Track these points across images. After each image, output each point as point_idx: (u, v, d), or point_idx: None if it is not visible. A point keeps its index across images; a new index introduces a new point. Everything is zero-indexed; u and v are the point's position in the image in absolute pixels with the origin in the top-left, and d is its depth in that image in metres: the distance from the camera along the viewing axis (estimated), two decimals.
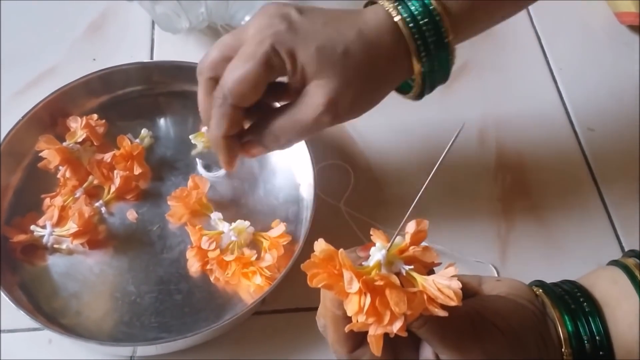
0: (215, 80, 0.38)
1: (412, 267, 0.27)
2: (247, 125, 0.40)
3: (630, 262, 0.33)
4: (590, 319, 0.31)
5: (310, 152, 0.47)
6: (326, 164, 0.51)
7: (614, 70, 0.58)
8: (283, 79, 0.38)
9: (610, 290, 0.32)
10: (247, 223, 0.45)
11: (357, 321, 0.25)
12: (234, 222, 0.45)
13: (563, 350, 0.31)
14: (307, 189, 0.48)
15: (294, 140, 0.39)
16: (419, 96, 0.40)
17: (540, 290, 0.33)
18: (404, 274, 0.27)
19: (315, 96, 0.36)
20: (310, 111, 0.36)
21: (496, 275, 0.46)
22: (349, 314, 0.26)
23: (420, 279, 0.26)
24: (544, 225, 0.49)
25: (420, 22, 0.37)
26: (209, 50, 0.38)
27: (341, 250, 0.26)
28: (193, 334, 0.40)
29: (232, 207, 0.48)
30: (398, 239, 0.28)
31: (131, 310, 0.43)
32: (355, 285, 0.25)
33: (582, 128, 0.55)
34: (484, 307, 0.30)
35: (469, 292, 0.33)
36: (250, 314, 0.43)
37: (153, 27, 0.59)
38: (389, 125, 0.54)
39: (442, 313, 0.25)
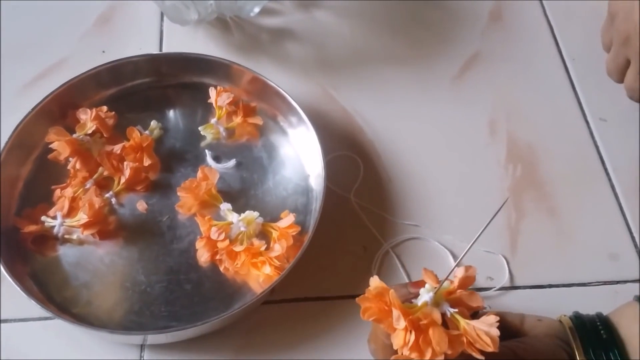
0: None
1: (456, 310, 0.30)
2: None
3: None
4: (611, 356, 0.33)
5: (320, 143, 0.47)
6: (335, 155, 0.50)
7: None
8: None
9: (633, 328, 0.34)
10: (256, 213, 0.45)
11: (402, 354, 0.29)
12: (243, 212, 0.45)
13: None
14: (316, 180, 0.48)
15: None
16: None
17: (570, 335, 0.34)
18: (449, 315, 0.30)
19: None
20: None
21: (506, 265, 0.46)
22: (394, 347, 0.29)
23: (463, 322, 0.29)
24: (554, 216, 0.49)
25: None
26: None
27: (392, 290, 0.30)
28: (202, 323, 0.40)
29: (241, 198, 0.48)
30: (446, 282, 0.31)
31: (141, 300, 0.43)
32: (402, 323, 0.28)
33: (594, 118, 0.54)
34: (522, 349, 0.32)
35: (511, 329, 0.35)
36: (260, 304, 0.43)
37: (162, 19, 0.59)
38: (398, 116, 0.54)
39: (480, 357, 0.28)
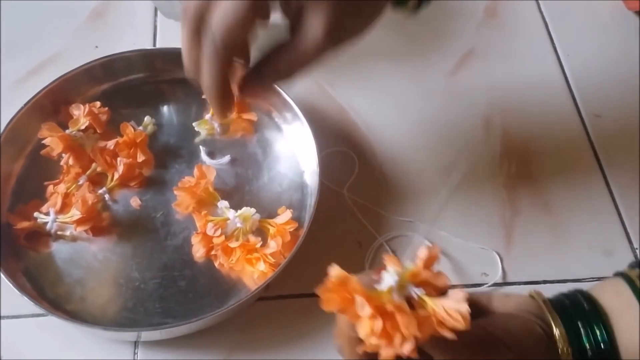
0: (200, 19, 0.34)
1: (423, 291, 0.28)
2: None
3: (634, 273, 0.33)
4: (595, 329, 0.32)
5: (315, 139, 0.47)
6: (330, 150, 0.50)
7: (621, 56, 0.58)
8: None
9: (614, 302, 0.33)
10: (252, 210, 0.45)
11: (370, 343, 0.27)
12: (239, 208, 0.45)
13: None
14: (311, 176, 0.48)
15: (297, 73, 0.35)
16: (417, 8, 0.38)
17: (545, 307, 0.33)
18: (416, 298, 0.28)
19: (314, 21, 0.33)
20: (312, 39, 0.33)
21: (499, 262, 0.46)
22: (361, 337, 0.27)
23: (430, 302, 0.28)
24: (549, 212, 0.49)
25: None
26: None
27: (354, 276, 0.28)
28: (197, 320, 0.40)
29: (235, 194, 0.48)
30: (409, 263, 0.29)
31: (135, 296, 0.43)
32: (367, 310, 0.27)
33: (589, 114, 0.54)
34: (494, 326, 0.31)
35: (479, 309, 0.34)
36: (254, 300, 0.43)
37: (155, 14, 0.59)
38: (393, 112, 0.54)
39: (451, 336, 0.27)
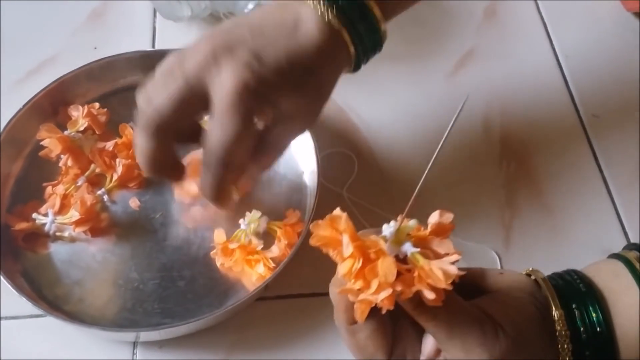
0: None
1: (418, 249, 0.27)
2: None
3: (632, 255, 0.32)
4: (591, 310, 0.31)
5: (314, 140, 0.47)
6: (330, 151, 0.50)
7: (620, 57, 0.58)
8: None
9: (611, 284, 0.32)
10: (259, 213, 0.45)
11: (348, 286, 0.26)
12: (239, 209, 0.45)
13: (565, 346, 0.30)
14: (310, 177, 0.48)
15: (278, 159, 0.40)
16: (355, 69, 0.40)
17: (545, 286, 0.32)
18: (409, 255, 0.27)
19: (290, 126, 0.38)
20: (288, 134, 0.39)
21: (498, 262, 0.46)
22: (338, 275, 0.27)
23: (421, 260, 0.27)
24: (547, 212, 0.49)
25: (353, 20, 0.36)
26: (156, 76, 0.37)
27: (348, 219, 0.27)
28: (196, 320, 0.40)
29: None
30: (412, 222, 0.28)
31: (134, 297, 0.43)
32: (349, 249, 0.26)
33: (587, 115, 0.54)
34: (491, 307, 0.30)
35: (472, 286, 0.33)
36: (254, 300, 0.43)
37: (155, 16, 0.59)
38: (393, 113, 0.54)
39: (431, 295, 0.26)
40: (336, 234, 0.27)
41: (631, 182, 0.50)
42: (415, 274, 0.26)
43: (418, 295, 0.26)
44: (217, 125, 0.35)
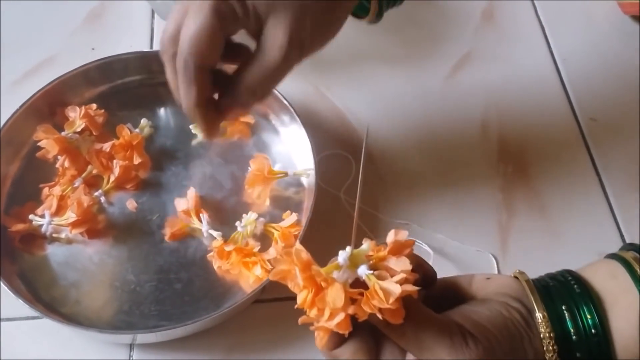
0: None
1: (372, 272, 0.28)
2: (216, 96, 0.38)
3: (629, 255, 0.32)
4: (586, 313, 0.30)
5: (311, 141, 0.47)
6: (327, 153, 0.50)
7: (617, 60, 0.58)
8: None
9: (609, 285, 0.31)
10: (255, 215, 0.45)
11: (308, 315, 0.28)
12: (236, 211, 0.45)
13: (550, 347, 0.30)
14: (307, 179, 0.48)
15: (270, 88, 0.37)
16: (377, 18, 0.39)
17: (527, 289, 0.31)
18: (364, 277, 0.28)
19: (276, 35, 0.34)
20: (277, 52, 0.34)
21: (495, 265, 0.46)
22: (296, 306, 0.28)
23: (374, 281, 0.28)
24: (545, 215, 0.49)
25: None
26: (164, 27, 0.36)
27: (297, 247, 0.28)
28: (193, 322, 0.40)
29: (232, 197, 0.48)
30: (366, 246, 0.29)
31: (131, 299, 0.43)
32: (299, 281, 0.27)
33: (585, 118, 0.54)
34: (465, 319, 0.30)
35: (459, 293, 0.33)
36: (251, 302, 0.43)
37: (152, 16, 0.59)
38: (390, 115, 0.54)
39: (378, 315, 0.27)
40: (293, 267, 0.28)
41: (628, 185, 0.50)
42: (365, 297, 0.27)
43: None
44: (189, 21, 0.33)
